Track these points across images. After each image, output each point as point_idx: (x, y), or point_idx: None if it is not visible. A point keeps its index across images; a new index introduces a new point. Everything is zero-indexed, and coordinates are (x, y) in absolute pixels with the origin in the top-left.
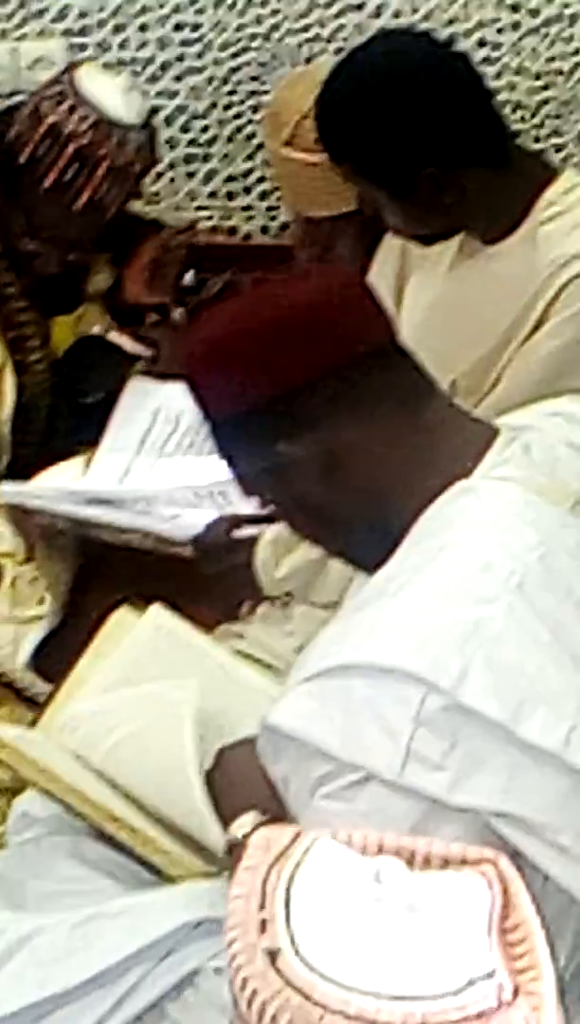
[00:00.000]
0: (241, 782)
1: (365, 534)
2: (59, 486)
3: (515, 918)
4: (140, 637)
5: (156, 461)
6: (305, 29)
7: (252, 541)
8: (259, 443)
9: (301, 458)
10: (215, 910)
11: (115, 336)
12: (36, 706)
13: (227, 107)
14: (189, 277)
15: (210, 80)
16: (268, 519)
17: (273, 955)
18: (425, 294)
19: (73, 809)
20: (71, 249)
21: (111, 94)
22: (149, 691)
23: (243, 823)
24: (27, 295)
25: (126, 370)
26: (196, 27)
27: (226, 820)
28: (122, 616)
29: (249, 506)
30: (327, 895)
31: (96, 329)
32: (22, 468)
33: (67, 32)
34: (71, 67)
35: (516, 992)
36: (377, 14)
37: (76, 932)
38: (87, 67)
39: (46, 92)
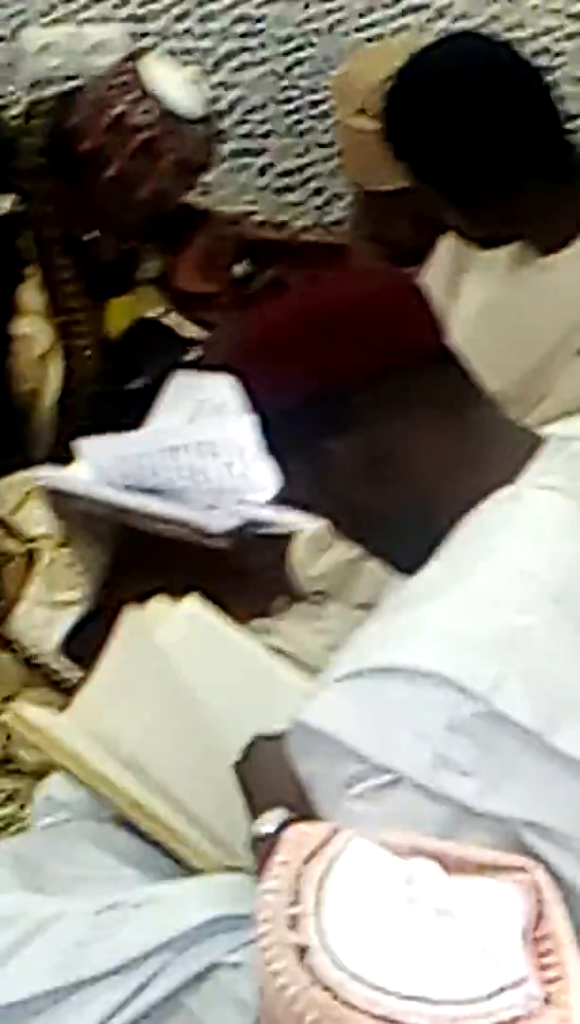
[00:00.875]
0: (271, 777)
1: (405, 536)
2: (91, 481)
3: (546, 928)
4: (173, 627)
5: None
6: (367, 27)
7: (288, 538)
8: (306, 440)
9: (346, 457)
10: (238, 906)
11: (172, 319)
12: (65, 691)
13: (284, 102)
14: (241, 267)
15: (269, 74)
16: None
17: (303, 951)
18: (479, 294)
19: (100, 795)
20: (129, 237)
21: (177, 87)
22: (175, 678)
23: (269, 819)
24: (80, 280)
25: (182, 353)
26: (258, 20)
27: (255, 813)
28: (156, 605)
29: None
30: (359, 894)
31: (153, 312)
32: (64, 453)
33: (129, 18)
34: (136, 56)
35: (546, 1002)
36: (440, 15)
37: (97, 920)
38: (153, 57)
39: (111, 81)
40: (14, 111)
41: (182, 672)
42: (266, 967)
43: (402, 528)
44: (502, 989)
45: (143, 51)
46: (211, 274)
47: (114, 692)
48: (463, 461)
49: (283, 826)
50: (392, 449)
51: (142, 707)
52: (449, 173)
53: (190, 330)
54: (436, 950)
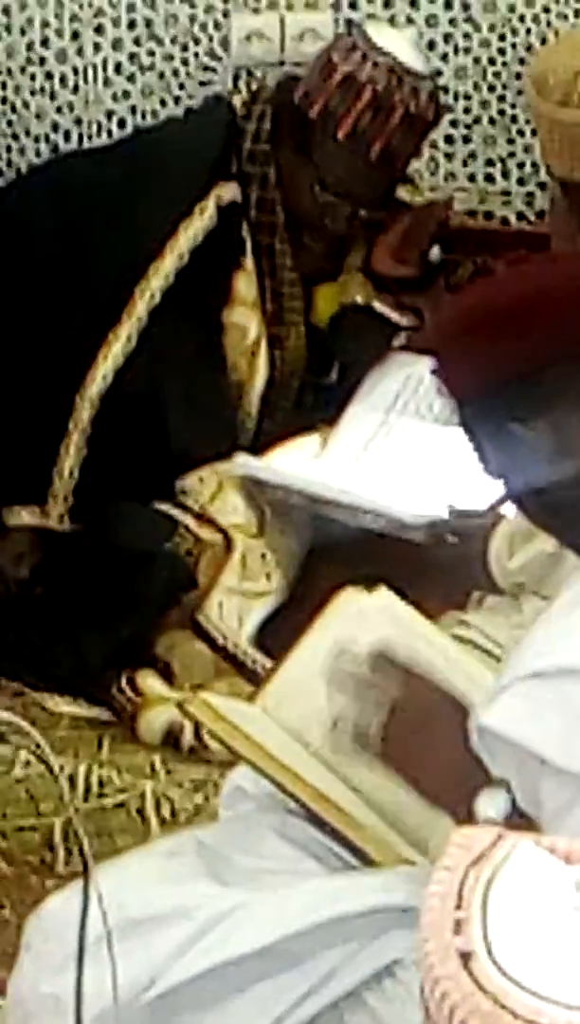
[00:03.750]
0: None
1: None
2: (288, 472)
3: None
4: (365, 619)
5: (400, 426)
6: (577, 14)
7: (488, 531)
8: (498, 418)
9: (536, 437)
10: (416, 898)
11: (379, 305)
12: (256, 682)
13: (491, 88)
14: (435, 252)
15: (476, 61)
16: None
17: (466, 957)
18: None
19: (283, 788)
20: (361, 205)
21: (402, 45)
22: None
23: (497, 801)
24: (296, 268)
25: (390, 339)
26: (466, 6)
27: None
28: (348, 596)
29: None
30: (526, 901)
31: (359, 298)
32: (265, 443)
33: (336, 5)
34: (358, 24)
35: None
36: None
37: (269, 906)
38: (374, 22)
39: (337, 45)
40: (235, 99)
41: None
42: (428, 973)
43: None
44: None
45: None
46: (407, 259)
47: (305, 681)
48: None
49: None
50: (576, 433)
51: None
52: None
53: (397, 317)
54: None
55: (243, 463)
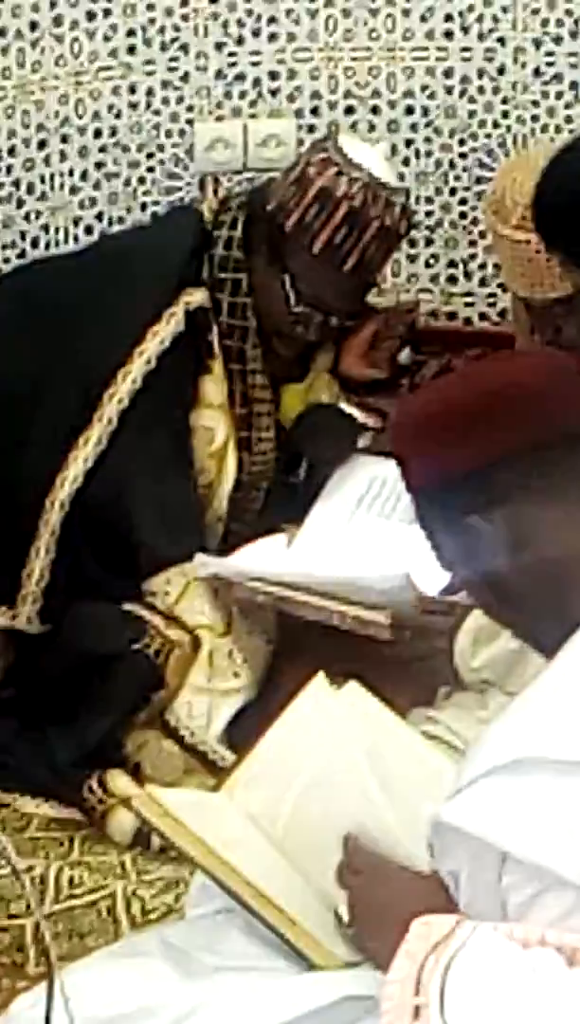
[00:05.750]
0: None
1: (547, 617)
2: (252, 566)
3: None
4: (332, 711)
5: (364, 525)
6: (534, 119)
7: (452, 627)
8: (454, 515)
9: (491, 533)
10: (376, 989)
11: (346, 406)
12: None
13: (453, 192)
14: (405, 355)
15: (438, 164)
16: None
17: None
18: None
19: (223, 885)
20: (334, 314)
21: (375, 159)
22: (321, 743)
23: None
24: (265, 371)
25: (356, 439)
26: (426, 111)
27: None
28: (317, 689)
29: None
30: (483, 985)
31: (325, 398)
32: (234, 544)
33: (298, 112)
34: (330, 136)
35: None
36: None
37: (236, 1004)
38: (346, 136)
39: (311, 159)
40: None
41: (335, 753)
42: None
43: (543, 610)
44: None
45: (336, 132)
46: (376, 361)
47: (272, 769)
48: None
49: None
50: (536, 528)
51: (294, 782)
52: None
53: (364, 417)
54: None
55: (206, 562)
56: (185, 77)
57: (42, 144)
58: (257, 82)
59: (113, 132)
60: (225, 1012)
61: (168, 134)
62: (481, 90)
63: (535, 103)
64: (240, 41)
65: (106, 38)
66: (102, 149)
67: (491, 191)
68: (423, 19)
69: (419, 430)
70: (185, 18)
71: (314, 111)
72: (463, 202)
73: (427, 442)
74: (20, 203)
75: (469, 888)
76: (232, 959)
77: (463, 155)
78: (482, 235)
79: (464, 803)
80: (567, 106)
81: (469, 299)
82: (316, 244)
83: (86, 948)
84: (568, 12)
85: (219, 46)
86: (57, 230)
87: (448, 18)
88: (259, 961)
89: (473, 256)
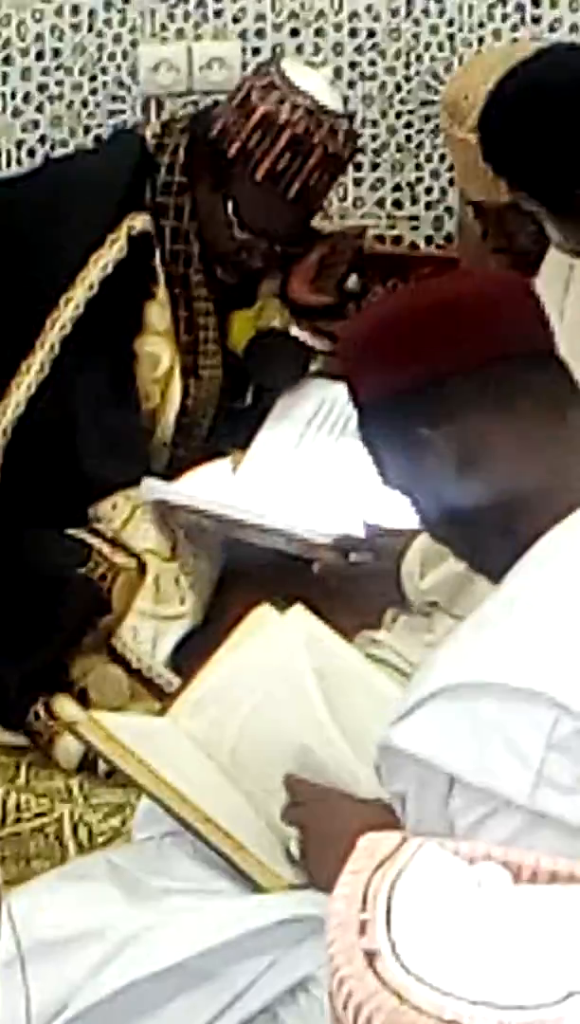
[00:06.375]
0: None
1: (494, 539)
2: (198, 495)
3: None
4: (277, 635)
5: (313, 447)
6: (480, 41)
7: (400, 549)
8: (402, 427)
9: (440, 447)
10: (321, 909)
11: (296, 330)
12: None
13: (398, 115)
14: (353, 281)
15: (382, 87)
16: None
17: (371, 956)
18: None
19: (169, 809)
20: (278, 241)
21: (319, 84)
22: (267, 664)
23: None
24: (210, 297)
25: (306, 363)
26: (371, 34)
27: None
28: (262, 613)
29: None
30: (429, 900)
31: (277, 323)
32: (179, 469)
33: (243, 34)
34: (275, 60)
35: None
36: (552, 29)
37: (181, 924)
38: (290, 61)
39: (254, 84)
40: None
41: (282, 675)
42: (334, 973)
43: (490, 530)
44: (571, 994)
45: (279, 57)
46: (324, 287)
47: (218, 694)
48: (559, 466)
49: None
50: (485, 443)
51: (242, 689)
52: (546, 183)
53: (314, 341)
54: (504, 955)
55: (152, 487)
56: None
57: None
58: (201, 3)
59: (56, 54)
60: (172, 934)
61: (111, 56)
62: (426, 12)
63: (481, 24)
64: None
65: None
66: (44, 71)
67: (446, 92)
68: None
69: (367, 345)
70: None
71: (259, 33)
72: (409, 125)
73: (375, 357)
74: None
75: (416, 810)
76: (178, 882)
77: (408, 78)
78: (428, 159)
79: (412, 726)
80: (513, 28)
81: (414, 223)
82: (259, 171)
83: (32, 872)
84: None
85: None
86: (0, 153)
87: None
88: (205, 884)
89: (419, 180)
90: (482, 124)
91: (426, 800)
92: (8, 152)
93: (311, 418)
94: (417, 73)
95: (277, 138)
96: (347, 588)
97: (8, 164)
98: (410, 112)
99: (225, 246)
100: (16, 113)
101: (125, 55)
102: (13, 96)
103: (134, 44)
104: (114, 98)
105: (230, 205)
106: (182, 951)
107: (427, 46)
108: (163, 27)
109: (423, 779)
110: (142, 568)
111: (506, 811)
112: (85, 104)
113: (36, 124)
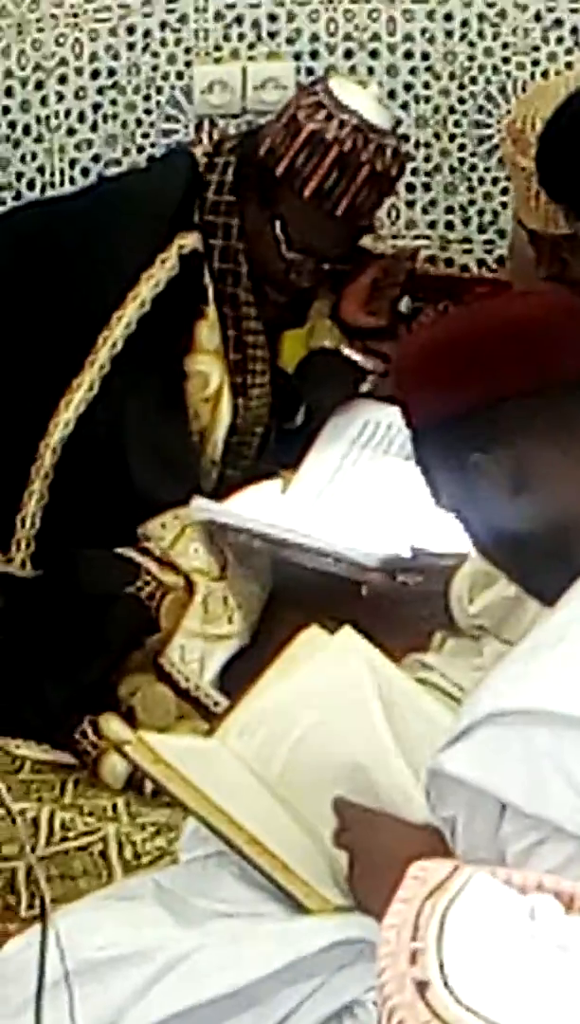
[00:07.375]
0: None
1: (546, 562)
2: (247, 515)
3: None
4: (337, 657)
5: (361, 466)
6: (535, 64)
7: (449, 572)
8: (456, 450)
9: (493, 472)
10: (368, 933)
11: (347, 350)
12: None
13: (451, 138)
14: (406, 303)
15: (436, 109)
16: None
17: (422, 986)
18: None
19: (216, 831)
20: (326, 260)
21: (366, 102)
22: (326, 684)
23: None
24: (259, 316)
25: (357, 384)
26: (426, 56)
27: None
28: (311, 635)
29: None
30: (480, 930)
31: (328, 343)
32: (228, 488)
33: (297, 55)
34: (323, 79)
35: None
36: None
37: (230, 949)
38: (337, 78)
39: (301, 103)
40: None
41: (341, 694)
42: (385, 1003)
43: (542, 554)
44: None
45: (329, 75)
46: (377, 309)
47: (267, 714)
48: None
49: None
50: (538, 469)
51: (295, 710)
52: None
53: (365, 361)
54: (555, 986)
55: (201, 507)
56: (184, 18)
57: (39, 85)
58: (256, 24)
59: (111, 73)
60: (221, 960)
61: (166, 76)
62: (481, 35)
63: (535, 48)
64: None
65: None
66: (99, 90)
67: (511, 119)
68: None
69: (422, 368)
70: None
71: (313, 54)
72: (462, 148)
73: (430, 380)
74: (16, 144)
75: (467, 836)
76: (225, 904)
77: (462, 100)
78: (480, 181)
79: (462, 752)
80: (568, 52)
81: (467, 246)
82: (306, 189)
83: (78, 891)
84: None
85: None
86: (53, 172)
87: None
88: (252, 906)
89: (471, 202)
90: (540, 151)
91: (476, 826)
92: (61, 171)
93: (356, 438)
94: (471, 95)
95: (324, 156)
96: (395, 610)
97: (62, 183)
98: (463, 135)
99: (273, 265)
100: (71, 132)
101: (180, 75)
102: (68, 115)
103: (188, 64)
104: (168, 118)
105: (278, 224)
106: (232, 979)
107: (482, 68)
108: (217, 47)
109: (473, 805)
110: (190, 587)
111: (558, 839)
112: (139, 123)
113: (90, 143)
